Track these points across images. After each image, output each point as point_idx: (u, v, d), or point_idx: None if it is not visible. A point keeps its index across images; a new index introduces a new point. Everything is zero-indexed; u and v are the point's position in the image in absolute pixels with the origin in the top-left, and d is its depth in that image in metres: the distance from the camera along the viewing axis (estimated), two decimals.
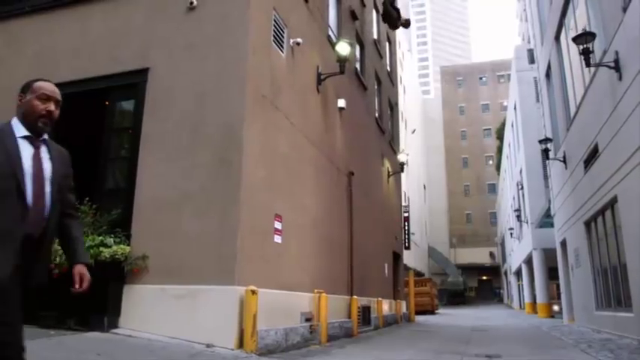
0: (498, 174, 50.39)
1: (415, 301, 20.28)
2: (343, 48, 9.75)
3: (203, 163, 6.71)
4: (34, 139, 2.40)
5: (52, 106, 2.45)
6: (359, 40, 14.30)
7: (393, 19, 14.23)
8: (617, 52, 9.25)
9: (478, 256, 62.56)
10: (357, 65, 14.03)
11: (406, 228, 21.35)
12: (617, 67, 9.24)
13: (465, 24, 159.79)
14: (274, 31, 7.91)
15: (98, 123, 7.69)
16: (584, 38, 9.56)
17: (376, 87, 16.50)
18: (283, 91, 8.12)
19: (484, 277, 64.67)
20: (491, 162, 62.98)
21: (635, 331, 9.13)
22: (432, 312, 27.45)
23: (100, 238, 6.55)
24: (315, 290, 8.60)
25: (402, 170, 18.10)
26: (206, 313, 6.17)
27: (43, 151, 2.42)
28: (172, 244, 6.57)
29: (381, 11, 16.01)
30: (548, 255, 23.49)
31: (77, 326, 6.32)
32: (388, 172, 16.88)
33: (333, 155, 10.67)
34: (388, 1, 15.18)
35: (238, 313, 6.09)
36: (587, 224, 13.14)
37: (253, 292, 6.11)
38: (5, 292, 2.15)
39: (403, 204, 30.72)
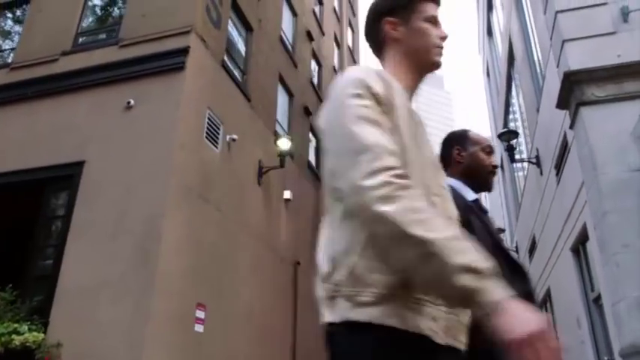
0: None
1: None
2: (284, 143, 10.33)
3: (124, 252, 6.98)
4: (479, 203, 2.00)
5: (495, 160, 2.10)
6: (315, 134, 15.05)
7: None
8: (537, 149, 9.90)
9: None
10: (313, 157, 14.67)
11: None
12: (538, 163, 9.85)
13: (450, 115, 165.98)
14: (208, 128, 8.48)
15: (35, 211, 8.02)
16: (507, 136, 10.24)
17: None
18: (215, 184, 8.55)
19: None
20: None
21: None
22: None
23: (15, 325, 6.65)
24: None
25: None
26: None
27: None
28: (87, 331, 6.67)
29: None
30: None
31: None
32: None
33: (276, 245, 10.94)
34: None
35: None
36: None
37: None
38: None
39: None
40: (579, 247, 7.65)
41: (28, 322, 6.74)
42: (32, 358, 6.54)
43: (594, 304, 7.13)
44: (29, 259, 7.66)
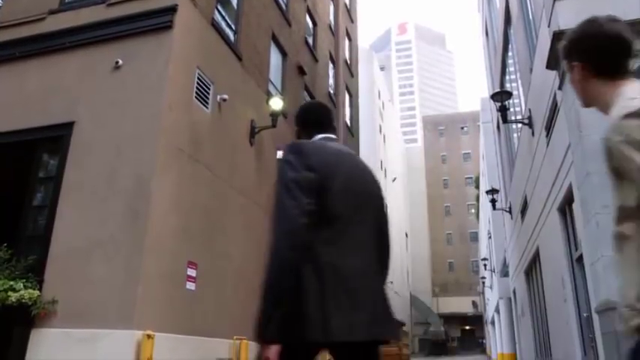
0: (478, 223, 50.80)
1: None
2: (276, 103, 10.29)
3: (115, 212, 7.08)
4: None
5: None
6: (309, 93, 14.96)
7: None
8: (529, 110, 9.87)
9: (461, 305, 62.20)
10: None
11: None
12: (530, 123, 9.83)
13: (452, 74, 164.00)
14: (198, 88, 8.44)
15: (26, 172, 8.08)
16: (500, 96, 10.19)
17: None
18: (206, 145, 8.58)
19: (467, 327, 64.06)
20: (473, 210, 63.49)
21: None
22: None
23: (11, 282, 6.82)
24: (235, 337, 8.79)
25: None
26: (106, 357, 6.39)
27: None
28: (81, 289, 6.84)
29: None
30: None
31: None
32: None
33: (269, 205, 11.02)
34: None
35: (134, 357, 6.31)
36: (527, 274, 13.48)
37: (149, 337, 6.36)
38: None
39: None
40: (565, 208, 7.73)
41: (24, 280, 6.90)
42: (28, 314, 6.73)
43: (577, 263, 7.26)
44: (22, 219, 7.76)
